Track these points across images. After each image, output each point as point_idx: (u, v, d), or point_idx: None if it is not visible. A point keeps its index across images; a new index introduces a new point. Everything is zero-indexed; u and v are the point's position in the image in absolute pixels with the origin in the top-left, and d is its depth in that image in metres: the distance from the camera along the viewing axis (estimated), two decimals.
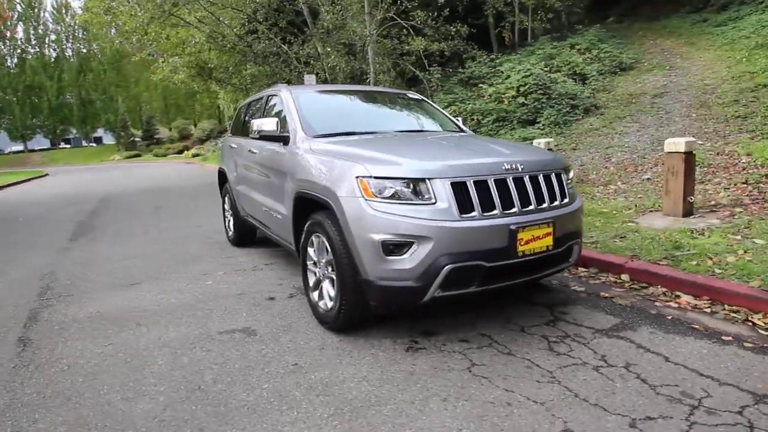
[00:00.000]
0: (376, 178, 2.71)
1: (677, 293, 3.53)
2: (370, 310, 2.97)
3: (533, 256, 2.84)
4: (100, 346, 3.11)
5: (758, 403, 2.21)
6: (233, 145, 5.35)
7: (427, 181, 2.69)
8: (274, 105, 4.40)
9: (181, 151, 35.35)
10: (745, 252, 3.80)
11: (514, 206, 2.80)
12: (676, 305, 3.38)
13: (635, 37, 15.34)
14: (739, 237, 4.16)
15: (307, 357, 2.82)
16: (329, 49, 11.51)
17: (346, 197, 2.77)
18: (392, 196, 2.68)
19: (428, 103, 4.78)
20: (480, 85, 11.93)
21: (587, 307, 3.44)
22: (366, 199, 2.70)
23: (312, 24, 12.50)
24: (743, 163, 6.02)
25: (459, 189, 2.70)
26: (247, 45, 12.43)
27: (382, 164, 2.78)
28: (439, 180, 2.69)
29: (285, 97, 4.13)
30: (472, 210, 2.70)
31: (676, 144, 4.75)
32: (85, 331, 3.36)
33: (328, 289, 3.14)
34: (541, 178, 2.97)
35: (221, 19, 12.41)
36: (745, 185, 5.44)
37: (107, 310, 3.75)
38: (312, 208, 3.23)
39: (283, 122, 3.86)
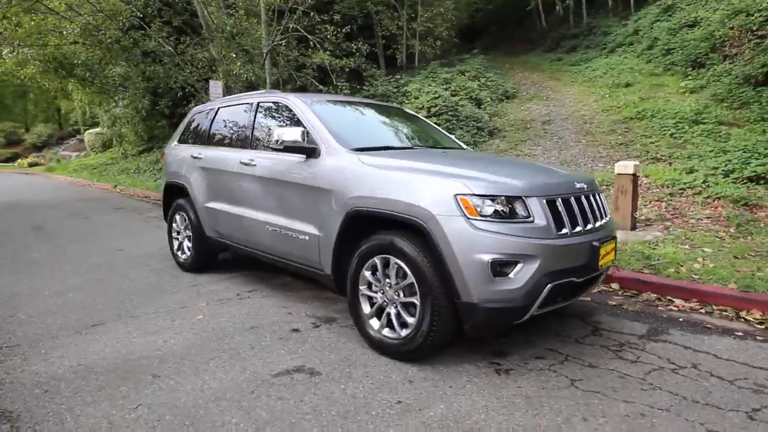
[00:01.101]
0: (477, 195, 2.61)
1: (669, 298, 4.00)
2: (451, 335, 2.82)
3: (602, 269, 2.99)
4: (128, 410, 2.45)
5: None
6: (197, 155, 4.69)
7: (524, 199, 2.67)
8: (276, 114, 4.00)
9: (10, 159, 29.69)
10: (704, 259, 4.47)
11: (590, 223, 2.93)
12: (675, 308, 3.82)
13: (504, 69, 17.12)
14: (687, 247, 4.88)
15: (402, 393, 2.57)
16: (234, 55, 10.75)
17: (444, 216, 2.61)
18: (493, 215, 2.60)
19: (423, 119, 4.75)
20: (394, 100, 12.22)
21: (608, 315, 3.72)
22: (468, 218, 2.58)
23: (208, 26, 11.59)
24: (646, 183, 7.07)
25: (552, 207, 2.74)
26: (132, 42, 11.01)
27: (479, 181, 2.69)
28: (535, 198, 2.70)
29: (298, 105, 3.78)
30: (563, 227, 2.75)
31: (626, 167, 5.42)
32: (85, 392, 2.62)
33: (399, 315, 2.90)
34: (596, 197, 3.16)
35: (101, 10, 10.81)
36: (659, 202, 6.40)
37: (93, 361, 2.98)
38: (373, 228, 2.99)
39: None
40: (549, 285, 2.63)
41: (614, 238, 3.12)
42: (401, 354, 2.89)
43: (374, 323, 3.03)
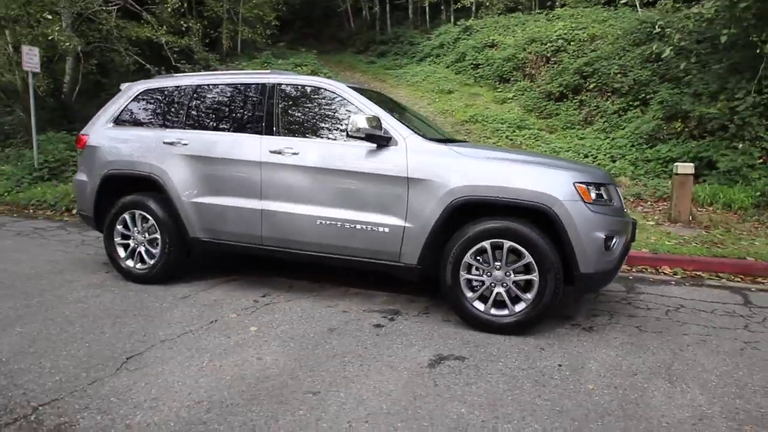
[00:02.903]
0: (587, 183, 3.11)
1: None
2: None
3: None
4: (343, 427, 2.18)
5: None
6: (176, 141, 3.93)
7: (607, 186, 3.28)
8: (310, 98, 3.78)
9: None
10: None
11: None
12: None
13: (329, 67, 17.68)
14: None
15: (550, 359, 2.90)
16: (49, 17, 8.62)
17: (568, 201, 3.03)
18: (597, 199, 3.14)
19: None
20: None
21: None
22: (585, 202, 3.06)
23: None
24: None
25: (616, 192, 3.41)
26: None
27: (582, 172, 3.19)
28: (611, 185, 3.34)
29: (350, 92, 3.65)
30: (624, 208, 3.46)
31: (685, 167, 6.03)
32: (260, 425, 2.19)
33: (511, 293, 3.19)
34: None
35: None
36: None
37: (203, 396, 2.44)
38: (474, 215, 3.20)
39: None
40: (626, 253, 3.30)
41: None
42: (509, 328, 3.19)
43: (478, 305, 3.24)
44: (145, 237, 4.12)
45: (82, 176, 4.38)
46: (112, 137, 4.23)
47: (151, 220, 4.04)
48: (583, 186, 3.11)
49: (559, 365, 2.82)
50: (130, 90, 4.37)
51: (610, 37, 11.83)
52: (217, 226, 3.88)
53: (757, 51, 6.05)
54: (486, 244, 3.18)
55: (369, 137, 3.34)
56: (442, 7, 20.78)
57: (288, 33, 25.03)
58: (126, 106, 4.29)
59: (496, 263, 3.20)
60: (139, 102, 4.28)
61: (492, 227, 3.16)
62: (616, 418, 2.30)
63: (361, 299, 3.87)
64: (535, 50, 12.87)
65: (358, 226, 3.46)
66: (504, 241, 3.14)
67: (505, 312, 3.21)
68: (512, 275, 3.18)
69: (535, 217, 3.14)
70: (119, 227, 4.18)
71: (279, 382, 2.58)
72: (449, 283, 3.27)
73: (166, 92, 4.23)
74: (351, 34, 22.58)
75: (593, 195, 3.13)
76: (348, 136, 3.40)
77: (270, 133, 3.76)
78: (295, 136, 3.71)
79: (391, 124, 3.44)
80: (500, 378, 2.66)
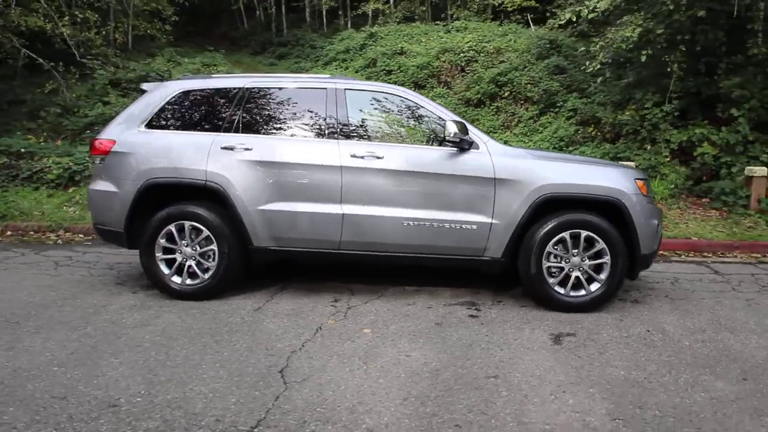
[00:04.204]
0: (642, 179, 3.74)
1: None
2: None
3: None
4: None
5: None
6: (237, 146, 3.72)
7: (648, 181, 3.96)
8: (380, 104, 3.87)
9: None
10: None
11: None
12: None
13: (236, 66, 16.95)
14: None
15: (663, 328, 3.46)
16: None
17: (632, 194, 3.62)
18: (646, 192, 3.79)
19: None
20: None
21: None
22: (642, 195, 3.68)
23: None
24: None
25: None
26: None
27: (635, 170, 3.84)
28: (649, 180, 4.03)
29: (421, 99, 3.89)
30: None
31: (753, 170, 6.68)
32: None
33: (586, 276, 3.68)
34: None
35: None
36: None
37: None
38: (559, 209, 3.65)
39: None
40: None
41: None
42: (586, 306, 3.69)
43: (559, 289, 3.69)
44: (196, 250, 3.83)
45: (105, 186, 3.90)
46: (148, 142, 3.84)
47: (205, 231, 3.77)
48: (641, 181, 3.73)
49: (647, 330, 3.39)
50: (164, 90, 3.99)
51: (512, 51, 13.24)
52: (289, 234, 3.78)
53: (668, 69, 7.47)
54: (566, 234, 3.64)
55: (460, 142, 3.59)
56: (340, 12, 21.08)
57: (172, 30, 23.29)
58: (161, 107, 3.92)
59: (574, 251, 3.68)
60: (177, 104, 3.94)
61: (573, 219, 3.62)
62: (726, 362, 2.90)
63: (429, 295, 4.06)
64: (448, 59, 13.84)
65: (447, 225, 3.68)
66: (582, 231, 3.63)
67: (582, 293, 3.70)
68: (587, 260, 3.68)
69: (603, 209, 3.68)
70: (162, 241, 3.82)
71: (454, 372, 2.74)
72: (534, 271, 3.67)
73: (211, 94, 3.96)
74: (245, 34, 21.76)
75: (646, 188, 3.77)
76: (443, 141, 3.62)
77: (345, 137, 3.79)
78: (372, 141, 3.80)
79: (472, 129, 3.72)
80: (618, 345, 3.13)
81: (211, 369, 2.75)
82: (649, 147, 8.24)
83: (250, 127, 3.88)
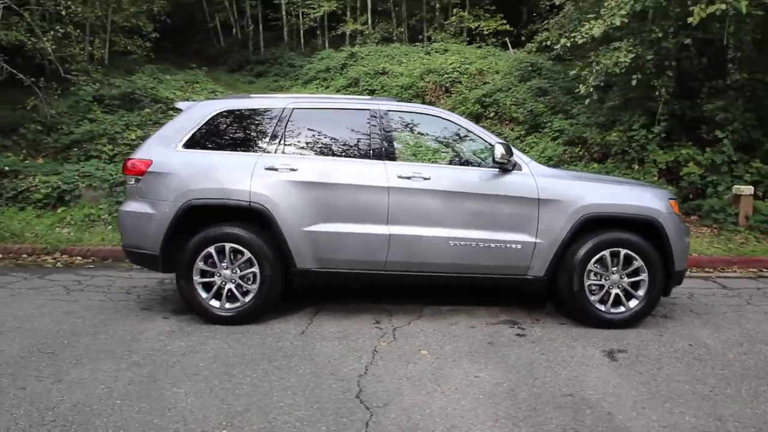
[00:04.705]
0: (674, 199, 3.92)
1: None
2: None
3: None
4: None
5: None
6: (282, 166, 3.68)
7: (677, 200, 4.15)
8: (422, 126, 3.95)
9: None
10: None
11: None
12: None
13: (219, 85, 16.72)
14: None
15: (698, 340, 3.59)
16: None
17: (666, 213, 3.78)
18: (677, 211, 3.97)
19: None
20: (148, 107, 10.26)
21: None
22: (675, 214, 3.85)
23: None
24: None
25: None
26: None
27: (667, 191, 4.02)
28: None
29: (463, 121, 3.97)
30: None
31: (741, 189, 6.97)
32: None
33: (624, 293, 3.80)
34: None
35: None
36: None
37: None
38: (598, 228, 3.77)
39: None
40: None
41: None
42: (626, 322, 3.80)
43: (599, 306, 3.79)
44: (235, 273, 3.73)
45: (140, 207, 3.76)
46: (187, 162, 3.74)
47: (247, 254, 3.69)
48: (673, 200, 3.91)
49: (690, 344, 3.52)
50: (202, 110, 3.91)
51: (494, 73, 13.65)
52: (334, 255, 3.74)
53: (656, 93, 7.88)
54: (606, 252, 3.76)
55: (506, 163, 3.68)
56: (318, 32, 21.23)
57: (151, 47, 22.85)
58: (200, 127, 3.84)
59: (613, 268, 3.79)
60: (217, 124, 3.87)
61: (613, 238, 3.75)
62: None
63: (467, 315, 4.07)
64: (433, 80, 14.12)
65: (492, 245, 3.74)
66: (621, 249, 3.75)
67: (622, 309, 3.81)
68: (625, 278, 3.81)
69: (640, 228, 3.82)
70: (200, 264, 3.71)
71: (529, 391, 2.77)
72: (577, 288, 3.76)
73: (251, 114, 3.92)
74: (222, 52, 21.58)
75: (678, 207, 3.95)
76: (482, 162, 3.70)
77: (391, 158, 3.81)
78: (418, 162, 3.84)
79: (515, 151, 3.82)
80: (670, 360, 3.25)
81: (285, 396, 2.68)
82: (637, 167, 8.62)
83: (294, 147, 3.85)
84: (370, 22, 20.27)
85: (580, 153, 9.88)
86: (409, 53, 17.31)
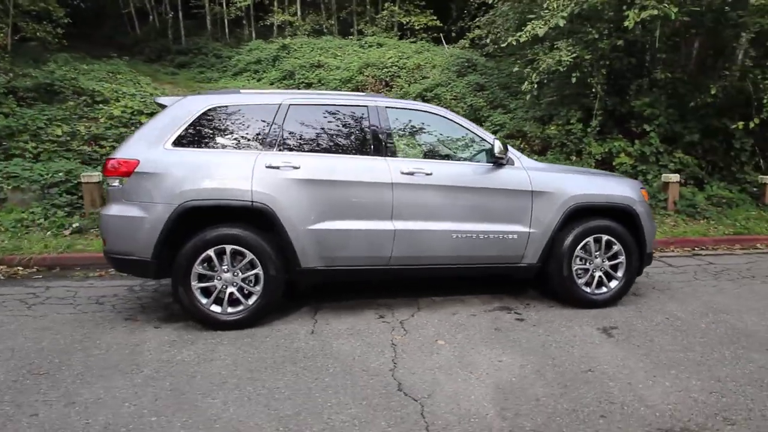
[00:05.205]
0: (643, 188, 4.32)
1: None
2: None
3: None
4: None
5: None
6: (283, 164, 3.58)
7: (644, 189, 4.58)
8: (420, 122, 4.05)
9: None
10: None
11: None
12: None
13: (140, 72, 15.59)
14: None
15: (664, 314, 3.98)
16: None
17: (639, 201, 4.17)
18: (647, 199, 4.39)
19: None
20: (71, 100, 9.33)
21: None
22: (645, 202, 4.26)
23: None
24: None
25: None
26: None
27: (637, 180, 4.39)
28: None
29: (457, 118, 4.11)
30: None
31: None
32: None
33: (606, 275, 4.14)
34: None
35: None
36: None
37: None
38: (582, 216, 4.06)
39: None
40: None
41: None
42: (609, 301, 4.15)
43: (586, 288, 4.10)
44: (237, 275, 3.59)
45: (128, 211, 3.48)
46: (180, 161, 3.51)
47: (249, 255, 3.56)
48: (644, 190, 4.31)
49: (666, 318, 3.92)
50: (190, 106, 3.68)
51: (431, 68, 13.99)
52: (338, 252, 3.72)
53: (592, 90, 8.55)
54: (590, 239, 4.07)
55: (503, 158, 3.86)
56: (245, 22, 20.47)
57: (64, 34, 20.71)
58: (190, 124, 3.62)
59: (596, 253, 4.12)
60: (208, 120, 3.66)
61: (596, 225, 4.06)
62: (744, 338, 3.50)
63: (461, 304, 4.21)
64: (372, 74, 14.18)
65: (492, 236, 3.91)
66: (603, 235, 4.08)
67: (604, 290, 4.15)
68: (606, 261, 4.15)
69: (617, 215, 4.17)
70: (198, 268, 3.52)
71: (554, 371, 2.97)
72: (566, 273, 4.04)
73: (245, 110, 3.75)
74: (137, 41, 20.09)
75: (647, 196, 4.36)
76: (493, 157, 3.86)
77: (391, 154, 3.84)
78: (417, 158, 3.90)
79: (508, 147, 4.01)
80: (656, 332, 3.61)
81: (329, 396, 2.66)
82: (574, 158, 9.30)
83: (293, 144, 3.75)
84: (299, 13, 19.89)
85: (521, 146, 10.44)
86: (343, 46, 17.22)
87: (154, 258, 3.50)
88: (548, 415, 2.48)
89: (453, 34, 17.76)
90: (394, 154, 3.88)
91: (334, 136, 3.88)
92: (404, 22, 18.69)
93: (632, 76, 8.91)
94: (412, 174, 3.79)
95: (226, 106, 3.76)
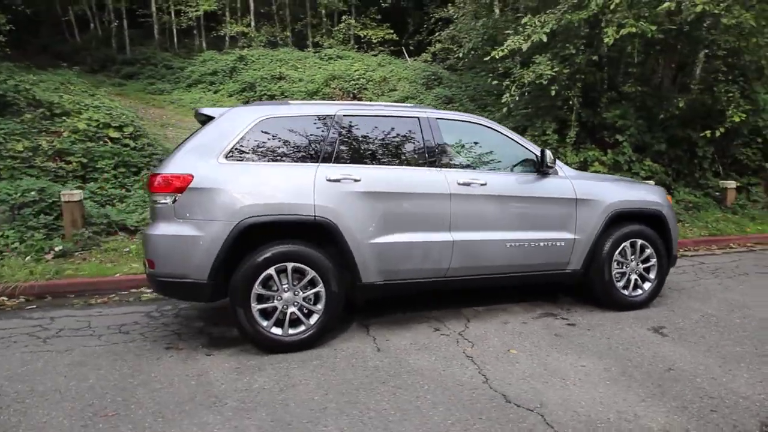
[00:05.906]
0: (668, 194, 4.59)
1: None
2: None
3: None
4: None
5: None
6: (344, 177, 3.46)
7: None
8: (465, 132, 4.12)
9: None
10: None
11: None
12: None
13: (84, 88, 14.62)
14: None
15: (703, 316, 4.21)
16: None
17: (666, 207, 4.41)
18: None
19: None
20: (27, 113, 8.54)
21: None
22: (671, 207, 4.52)
23: None
24: None
25: None
26: None
27: (662, 187, 4.65)
28: None
29: (503, 129, 4.17)
30: None
31: None
32: None
33: (642, 278, 4.33)
34: None
35: None
36: None
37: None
38: (617, 222, 4.24)
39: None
40: None
41: None
42: (644, 303, 4.33)
43: (624, 291, 4.27)
44: (297, 294, 3.42)
45: (180, 230, 3.22)
46: (236, 176, 3.31)
47: (310, 272, 3.41)
48: (669, 196, 4.57)
49: (702, 316, 4.16)
50: (241, 117, 3.48)
51: (397, 80, 14.15)
52: (398, 266, 3.64)
53: (569, 102, 8.98)
54: (627, 243, 4.25)
55: (552, 168, 3.97)
56: (195, 32, 19.79)
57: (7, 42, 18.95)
58: (243, 137, 3.42)
59: (631, 257, 4.30)
60: (262, 132, 3.47)
61: (632, 230, 4.25)
62: None
63: (507, 314, 4.22)
64: (339, 86, 14.12)
65: (542, 243, 3.99)
66: (638, 240, 4.28)
67: (639, 292, 4.34)
68: (640, 264, 4.34)
69: (648, 220, 4.38)
70: (258, 288, 3.32)
71: (640, 371, 3.05)
72: (607, 278, 4.18)
73: (298, 121, 3.59)
74: (77, 49, 18.83)
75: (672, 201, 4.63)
76: (545, 167, 3.95)
77: (446, 166, 3.83)
78: (469, 169, 3.91)
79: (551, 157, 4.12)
80: (702, 329, 3.82)
81: (442, 414, 2.58)
82: None
83: (349, 156, 3.65)
84: (253, 24, 19.48)
85: None
86: (302, 58, 17.03)
87: (210, 279, 3.27)
88: (665, 413, 2.55)
89: (411, 48, 18.10)
90: (448, 165, 3.88)
91: (389, 148, 3.82)
92: (361, 36, 18.79)
93: (602, 89, 9.46)
94: (468, 185, 3.80)
95: (279, 118, 3.59)
